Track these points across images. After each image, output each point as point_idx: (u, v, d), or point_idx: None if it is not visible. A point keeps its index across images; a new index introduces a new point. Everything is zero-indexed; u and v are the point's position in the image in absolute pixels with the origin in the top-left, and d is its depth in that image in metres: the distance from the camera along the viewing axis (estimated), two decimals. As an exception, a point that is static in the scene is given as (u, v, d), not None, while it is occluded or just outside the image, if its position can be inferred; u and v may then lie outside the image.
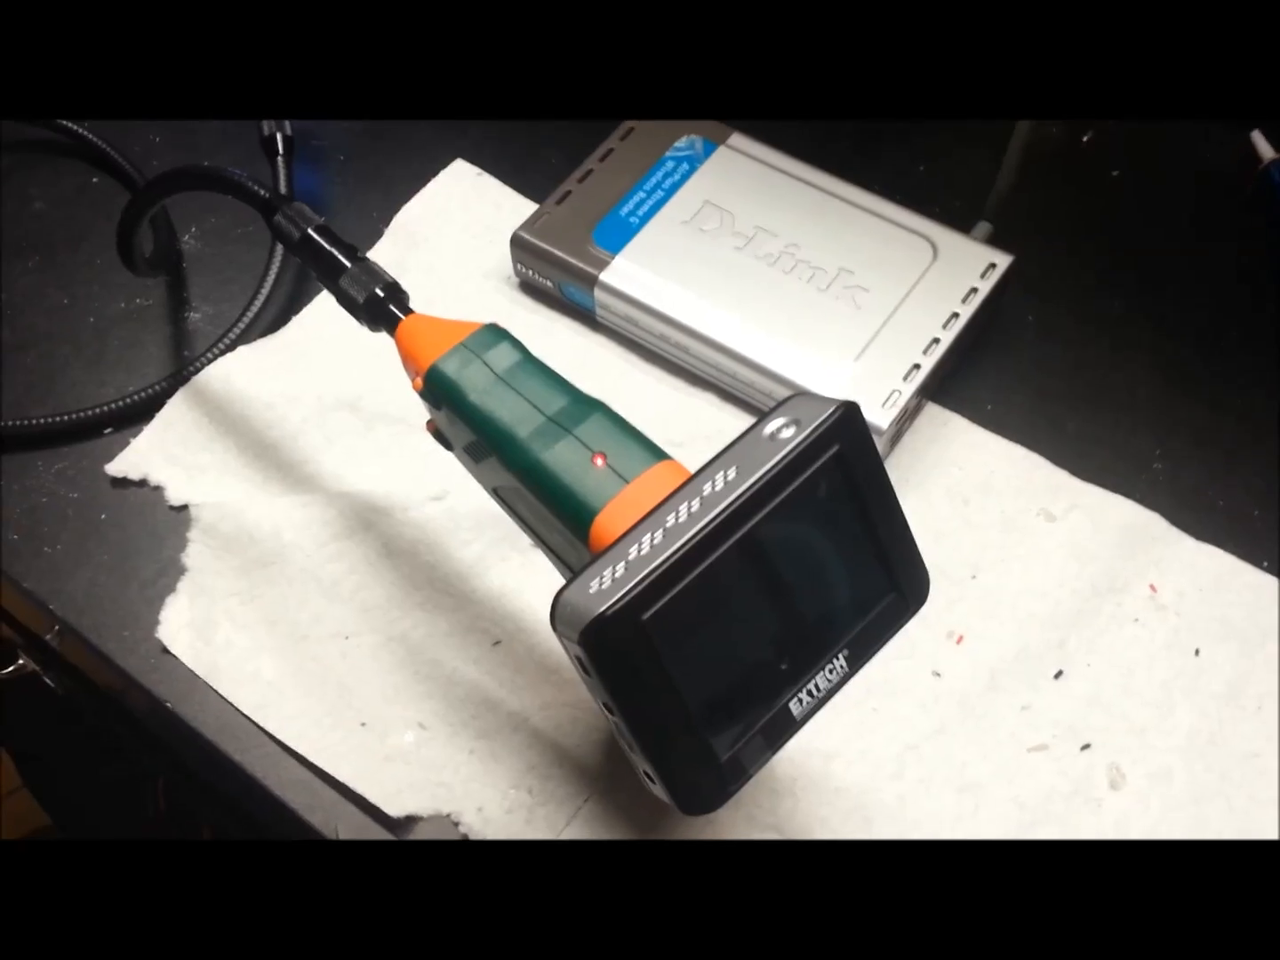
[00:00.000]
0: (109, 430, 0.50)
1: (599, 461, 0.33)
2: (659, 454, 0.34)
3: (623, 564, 0.29)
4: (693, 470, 0.32)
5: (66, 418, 0.49)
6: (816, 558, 0.32)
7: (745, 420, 0.50)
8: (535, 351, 0.37)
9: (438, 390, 0.36)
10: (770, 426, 0.31)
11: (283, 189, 0.54)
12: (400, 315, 0.38)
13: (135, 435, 0.50)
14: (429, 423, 0.39)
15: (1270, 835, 0.40)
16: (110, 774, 0.84)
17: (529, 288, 0.54)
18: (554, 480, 0.33)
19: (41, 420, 0.49)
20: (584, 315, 0.53)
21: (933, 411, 0.50)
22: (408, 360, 0.38)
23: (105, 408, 0.50)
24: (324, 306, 0.54)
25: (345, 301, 0.39)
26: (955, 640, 0.44)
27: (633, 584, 0.28)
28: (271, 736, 0.43)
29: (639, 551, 0.29)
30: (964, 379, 0.51)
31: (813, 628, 0.32)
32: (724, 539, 0.29)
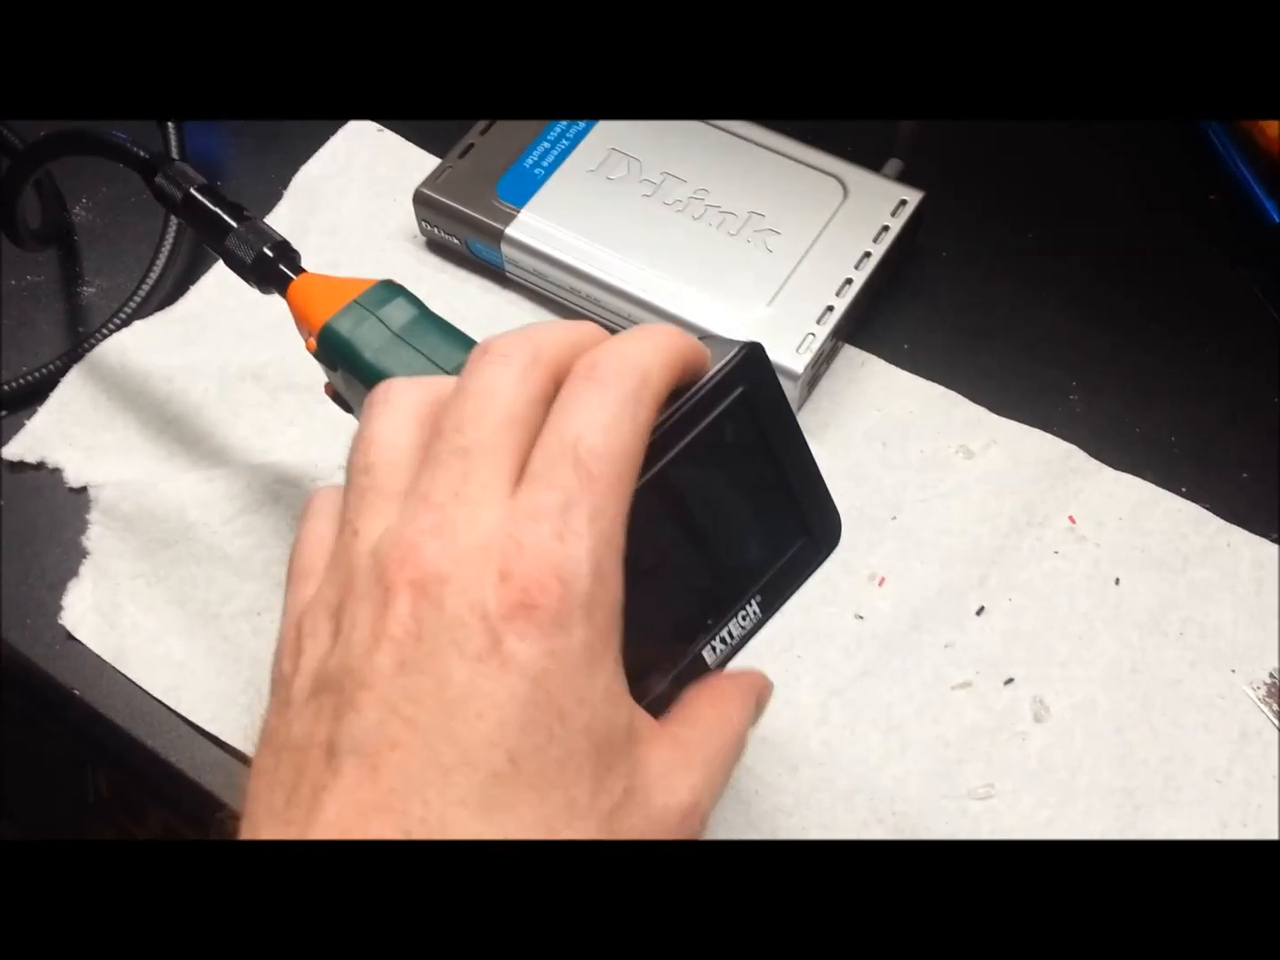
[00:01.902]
0: (3, 413, 0.48)
1: None
2: (561, 407, 0.33)
3: None
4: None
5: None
6: (725, 503, 0.31)
7: (661, 371, 0.49)
8: (445, 311, 0.36)
9: (332, 350, 0.35)
10: None
11: (173, 152, 0.52)
12: (291, 275, 0.37)
13: (30, 417, 0.48)
14: (327, 385, 0.37)
15: (1196, 758, 0.40)
16: (45, 763, 0.82)
17: (436, 246, 0.53)
18: None
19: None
20: (493, 272, 0.52)
21: (849, 353, 0.49)
22: (301, 321, 0.36)
23: (-5, 390, 0.48)
24: (222, 276, 0.52)
25: (233, 263, 0.38)
26: (877, 582, 0.44)
27: None
28: (184, 719, 0.42)
29: None
30: (880, 319, 0.50)
31: (723, 574, 0.31)
32: None
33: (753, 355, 0.30)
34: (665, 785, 0.26)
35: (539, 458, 0.25)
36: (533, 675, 0.23)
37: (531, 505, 0.24)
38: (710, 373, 0.30)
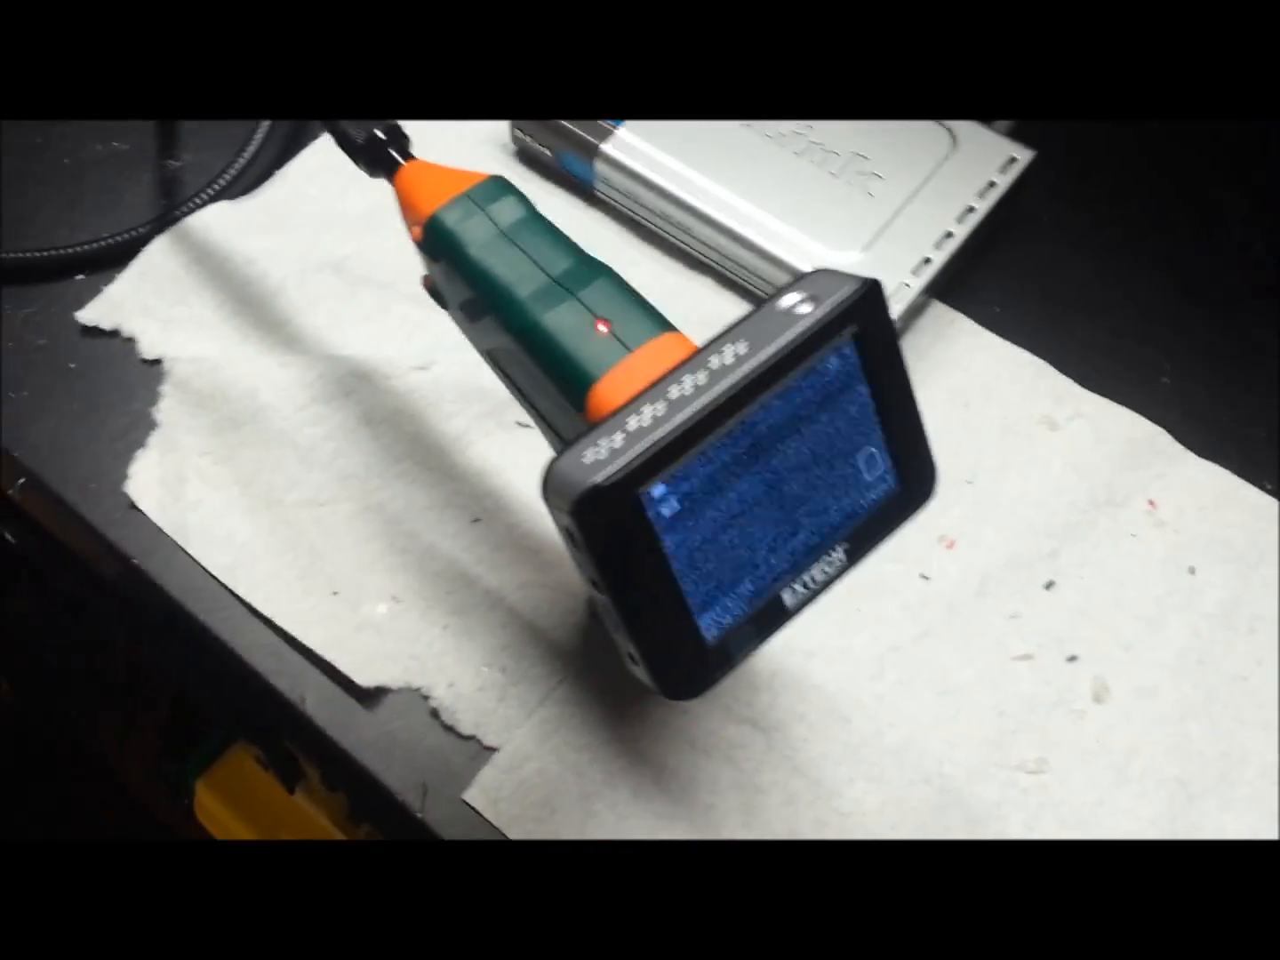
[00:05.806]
0: (80, 275, 0.48)
1: (602, 328, 0.31)
2: (665, 325, 0.32)
3: (621, 434, 0.28)
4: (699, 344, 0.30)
5: (34, 254, 0.47)
6: (823, 444, 0.30)
7: (743, 307, 0.48)
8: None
9: (436, 242, 0.34)
10: (786, 301, 0.29)
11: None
12: (400, 160, 0.36)
13: (108, 283, 0.47)
14: (425, 277, 0.37)
15: (1254, 756, 0.40)
16: (72, 637, 0.82)
17: (525, 156, 0.52)
18: (553, 344, 0.31)
19: (7, 255, 0.47)
20: (582, 188, 0.51)
21: (939, 310, 0.48)
22: (406, 209, 0.36)
23: (76, 248, 0.47)
24: (310, 163, 0.51)
25: (344, 143, 0.37)
26: (946, 545, 0.43)
27: (631, 456, 0.27)
28: (240, 599, 0.41)
29: (639, 423, 0.28)
30: (973, 279, 0.49)
31: (813, 515, 0.30)
32: (729, 416, 0.28)
33: (871, 293, 0.29)
34: None
35: None
36: None
37: None
38: (826, 307, 0.29)
